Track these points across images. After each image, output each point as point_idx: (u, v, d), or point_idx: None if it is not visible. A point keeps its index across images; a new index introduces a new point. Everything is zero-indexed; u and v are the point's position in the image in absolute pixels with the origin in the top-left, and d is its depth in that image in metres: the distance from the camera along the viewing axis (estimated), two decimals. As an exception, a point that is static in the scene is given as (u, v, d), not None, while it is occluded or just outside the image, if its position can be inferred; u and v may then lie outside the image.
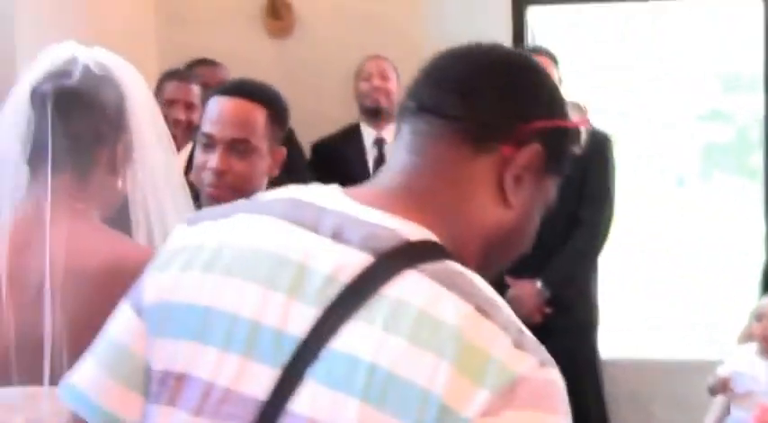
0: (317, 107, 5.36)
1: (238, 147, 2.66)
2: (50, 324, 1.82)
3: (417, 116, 1.41)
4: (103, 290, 1.84)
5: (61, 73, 1.93)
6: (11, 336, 1.85)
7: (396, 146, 1.43)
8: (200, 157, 2.72)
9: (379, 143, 5.19)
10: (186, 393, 1.36)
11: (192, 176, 2.70)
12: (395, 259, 1.30)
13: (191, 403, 1.35)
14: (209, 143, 2.68)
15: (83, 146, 1.92)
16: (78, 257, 1.86)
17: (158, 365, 1.39)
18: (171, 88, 4.53)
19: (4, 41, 4.34)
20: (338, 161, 5.08)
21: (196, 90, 4.53)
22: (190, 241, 1.43)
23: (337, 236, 1.34)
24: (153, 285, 1.42)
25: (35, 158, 1.91)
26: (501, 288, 5.02)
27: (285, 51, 5.36)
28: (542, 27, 5.87)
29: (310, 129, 5.12)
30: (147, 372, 1.40)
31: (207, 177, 2.68)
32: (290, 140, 4.77)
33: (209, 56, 5.37)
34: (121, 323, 1.45)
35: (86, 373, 1.44)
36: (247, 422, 1.30)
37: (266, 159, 2.73)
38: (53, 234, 1.87)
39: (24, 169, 1.93)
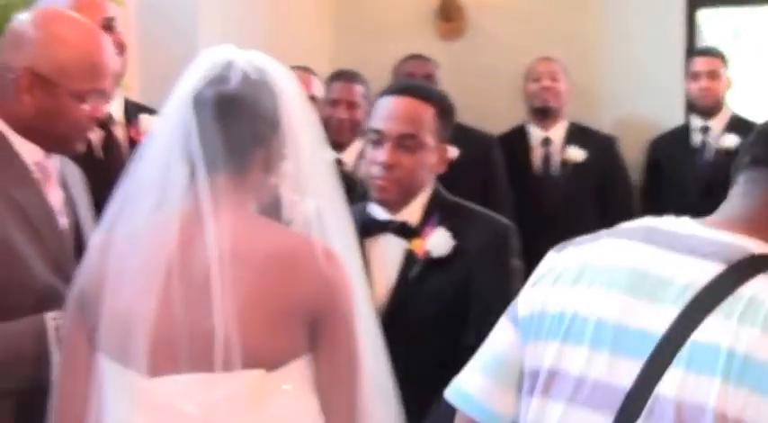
0: (487, 107, 5.41)
1: (406, 142, 2.78)
2: (220, 312, 1.91)
3: (750, 168, 1.68)
4: (270, 278, 1.96)
5: (220, 79, 2.02)
6: (181, 325, 1.93)
7: (733, 193, 1.70)
8: (369, 152, 2.85)
9: (546, 143, 5.23)
10: (558, 386, 1.65)
11: (362, 171, 2.86)
12: (744, 267, 1.58)
13: (564, 394, 1.64)
14: (379, 139, 2.81)
15: (241, 146, 2.02)
16: (244, 247, 1.96)
17: (532, 365, 1.69)
18: (336, 88, 4.66)
19: (189, 45, 4.51)
20: (505, 160, 5.10)
21: (359, 90, 4.65)
22: (557, 264, 1.76)
23: (692, 252, 1.62)
24: (526, 301, 1.76)
25: (197, 158, 2.00)
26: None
27: (456, 53, 5.44)
28: (713, 28, 5.83)
29: (479, 128, 5.14)
30: (522, 372, 1.72)
31: (376, 171, 2.80)
32: (491, 153, 4.83)
33: (382, 58, 5.46)
34: (501, 335, 1.79)
35: (475, 381, 1.79)
36: (615, 408, 1.58)
37: (433, 155, 2.83)
38: (217, 226, 1.96)
39: (184, 168, 2.01)
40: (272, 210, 2.08)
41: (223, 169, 2.00)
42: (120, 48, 3.29)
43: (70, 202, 2.57)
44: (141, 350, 1.94)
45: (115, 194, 2.06)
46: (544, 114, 5.22)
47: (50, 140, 2.49)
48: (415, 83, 3.04)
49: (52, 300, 2.34)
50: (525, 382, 1.71)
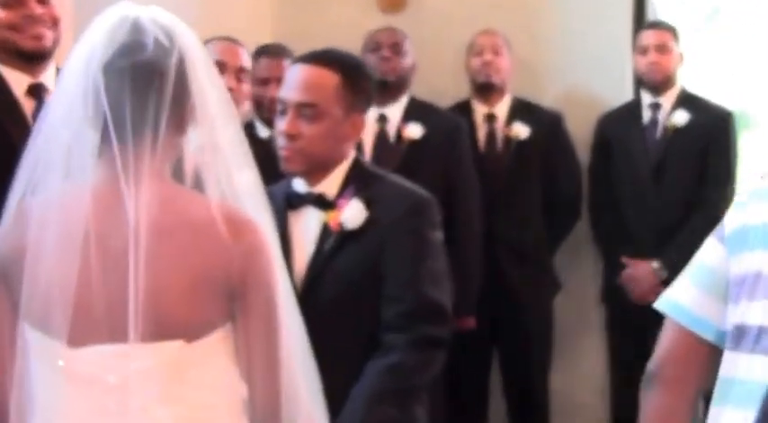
0: (430, 83, 5.29)
1: (305, 111, 2.77)
2: (133, 283, 1.93)
3: None
4: (185, 247, 1.98)
5: (133, 46, 2.00)
6: (99, 296, 1.95)
7: None
8: (277, 121, 2.84)
9: (490, 119, 5.10)
10: (763, 288, 1.91)
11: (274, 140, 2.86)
12: None
13: (766, 292, 1.90)
14: (283, 108, 2.81)
15: (155, 113, 1.99)
16: (159, 217, 1.97)
17: (738, 274, 1.97)
18: (263, 65, 4.39)
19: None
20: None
21: (287, 64, 4.43)
22: (756, 189, 2.03)
23: None
24: (731, 221, 2.03)
25: (109, 126, 1.98)
26: (617, 267, 4.94)
27: (397, 26, 5.18)
28: (665, 2, 5.70)
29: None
30: (728, 282, 1.99)
31: (280, 141, 2.81)
32: (457, 135, 4.70)
33: (322, 31, 5.27)
34: (709, 251, 2.06)
35: (685, 292, 2.05)
36: None
37: (343, 126, 2.80)
38: (134, 196, 1.97)
39: (95, 135, 2.00)
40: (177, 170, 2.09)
41: (137, 136, 1.99)
42: (54, 21, 3.24)
43: None
44: (62, 321, 1.95)
45: (22, 161, 2.05)
46: (487, 90, 5.08)
47: None
48: (326, 51, 2.93)
49: None
50: (731, 290, 1.97)
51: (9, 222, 2.06)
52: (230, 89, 3.62)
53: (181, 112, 2.03)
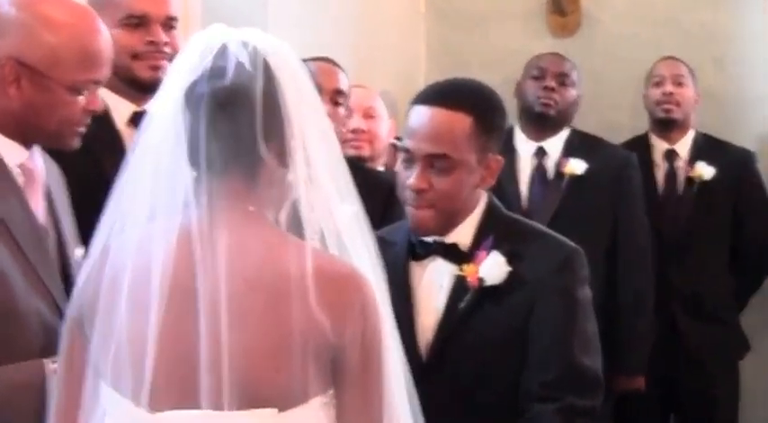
0: (603, 115, 5.10)
1: (437, 163, 2.54)
2: (218, 342, 1.80)
3: None
4: (283, 305, 1.82)
5: (214, 71, 1.88)
6: (179, 356, 1.83)
7: None
8: (401, 171, 2.61)
9: (670, 156, 4.83)
10: None
11: (398, 192, 2.66)
12: None
13: None
14: (408, 158, 2.59)
15: (246, 145, 1.87)
16: (254, 269, 1.84)
17: None
18: None
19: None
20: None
21: None
22: None
23: None
24: None
25: (192, 160, 1.88)
26: None
27: (568, 51, 4.97)
28: None
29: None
30: None
31: (408, 196, 2.58)
32: (625, 171, 4.51)
33: (482, 55, 5.25)
34: None
35: None
36: None
37: (476, 172, 2.58)
38: (224, 242, 1.84)
39: (185, 172, 1.89)
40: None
41: (229, 171, 1.88)
42: (175, 52, 3.17)
43: (53, 212, 2.44)
44: (136, 382, 1.83)
45: (111, 197, 1.94)
46: (667, 125, 4.80)
47: (39, 137, 2.38)
48: (449, 87, 2.66)
49: (38, 328, 2.27)
50: None
51: (91, 266, 1.94)
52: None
53: (280, 141, 1.89)
